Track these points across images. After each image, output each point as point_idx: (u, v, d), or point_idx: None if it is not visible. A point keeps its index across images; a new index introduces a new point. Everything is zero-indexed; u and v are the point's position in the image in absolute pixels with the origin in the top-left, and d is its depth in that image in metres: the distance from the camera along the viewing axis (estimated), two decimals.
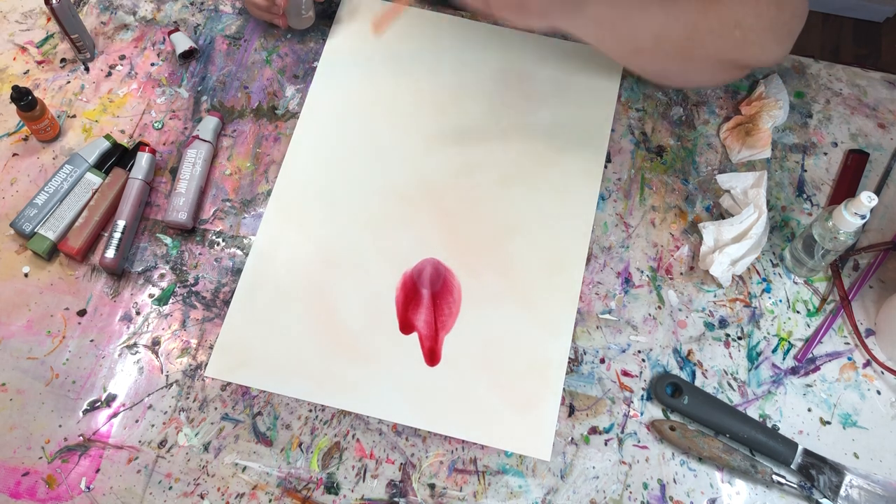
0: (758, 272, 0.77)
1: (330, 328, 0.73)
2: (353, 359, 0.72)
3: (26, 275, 0.75)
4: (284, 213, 0.78)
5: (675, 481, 0.69)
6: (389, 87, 0.84)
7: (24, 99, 0.75)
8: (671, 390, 0.71)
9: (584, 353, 0.73)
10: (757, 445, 0.69)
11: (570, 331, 0.74)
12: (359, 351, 0.73)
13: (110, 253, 0.73)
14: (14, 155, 0.80)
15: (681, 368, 0.73)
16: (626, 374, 0.73)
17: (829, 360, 0.74)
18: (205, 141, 0.79)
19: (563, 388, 0.72)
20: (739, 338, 0.74)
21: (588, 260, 0.77)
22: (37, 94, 0.82)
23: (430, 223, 0.78)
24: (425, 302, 0.74)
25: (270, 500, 0.68)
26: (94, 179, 0.77)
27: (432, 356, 0.72)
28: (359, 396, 0.71)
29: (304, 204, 0.79)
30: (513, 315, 0.74)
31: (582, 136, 0.82)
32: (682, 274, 0.77)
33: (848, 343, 0.75)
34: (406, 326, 0.74)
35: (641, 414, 0.71)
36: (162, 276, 0.76)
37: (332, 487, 0.68)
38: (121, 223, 0.75)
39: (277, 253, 0.76)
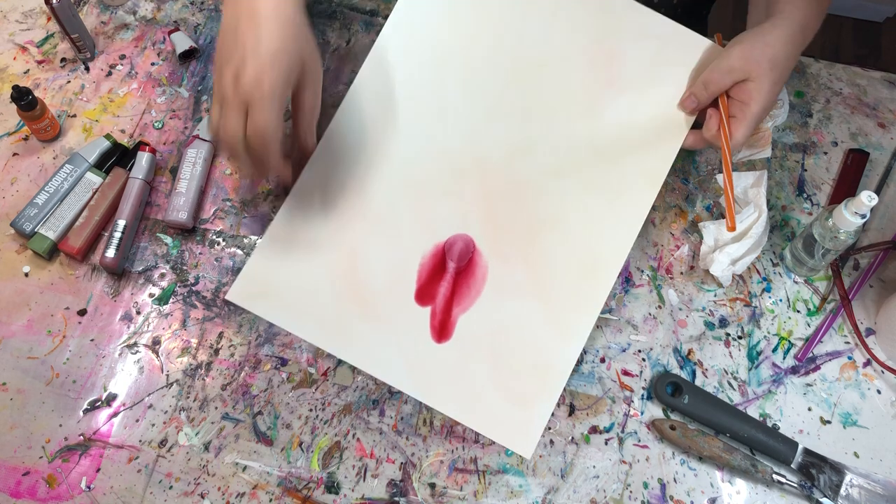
0: (758, 271, 0.77)
1: (352, 281, 0.73)
2: (367, 315, 0.72)
3: (27, 274, 0.75)
4: (334, 156, 0.76)
5: (675, 480, 0.69)
6: (466, 44, 0.77)
7: (24, 98, 0.75)
8: (671, 390, 0.71)
9: (585, 353, 0.73)
10: (757, 445, 0.69)
11: (585, 338, 0.71)
12: (374, 309, 0.72)
13: (111, 252, 0.73)
14: (14, 154, 0.80)
15: (681, 368, 0.73)
16: (626, 373, 0.73)
17: (830, 360, 0.74)
18: (205, 140, 0.79)
19: (564, 388, 0.72)
20: (740, 337, 0.74)
21: None
22: (37, 93, 0.82)
23: (472, 199, 0.75)
24: (449, 276, 0.73)
25: (271, 500, 0.68)
26: (94, 179, 0.77)
27: (442, 331, 0.71)
28: (361, 352, 0.71)
29: (354, 150, 0.76)
30: (531, 310, 0.72)
31: (653, 138, 0.75)
32: (682, 273, 0.77)
33: (848, 342, 0.75)
34: (424, 297, 0.72)
35: (642, 413, 0.71)
36: (162, 275, 0.76)
37: (332, 487, 0.68)
38: (121, 223, 0.75)
39: (316, 196, 0.75)
